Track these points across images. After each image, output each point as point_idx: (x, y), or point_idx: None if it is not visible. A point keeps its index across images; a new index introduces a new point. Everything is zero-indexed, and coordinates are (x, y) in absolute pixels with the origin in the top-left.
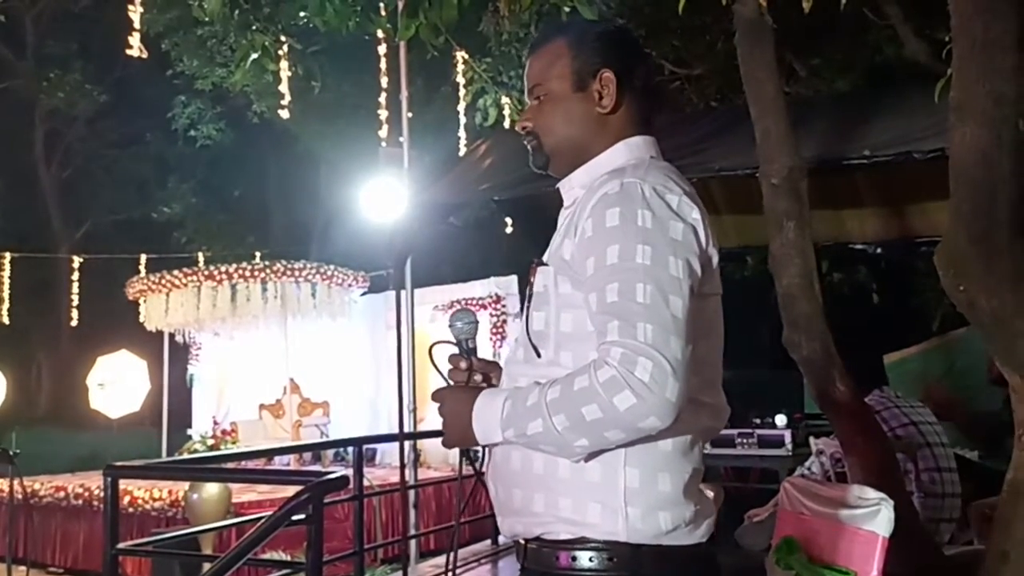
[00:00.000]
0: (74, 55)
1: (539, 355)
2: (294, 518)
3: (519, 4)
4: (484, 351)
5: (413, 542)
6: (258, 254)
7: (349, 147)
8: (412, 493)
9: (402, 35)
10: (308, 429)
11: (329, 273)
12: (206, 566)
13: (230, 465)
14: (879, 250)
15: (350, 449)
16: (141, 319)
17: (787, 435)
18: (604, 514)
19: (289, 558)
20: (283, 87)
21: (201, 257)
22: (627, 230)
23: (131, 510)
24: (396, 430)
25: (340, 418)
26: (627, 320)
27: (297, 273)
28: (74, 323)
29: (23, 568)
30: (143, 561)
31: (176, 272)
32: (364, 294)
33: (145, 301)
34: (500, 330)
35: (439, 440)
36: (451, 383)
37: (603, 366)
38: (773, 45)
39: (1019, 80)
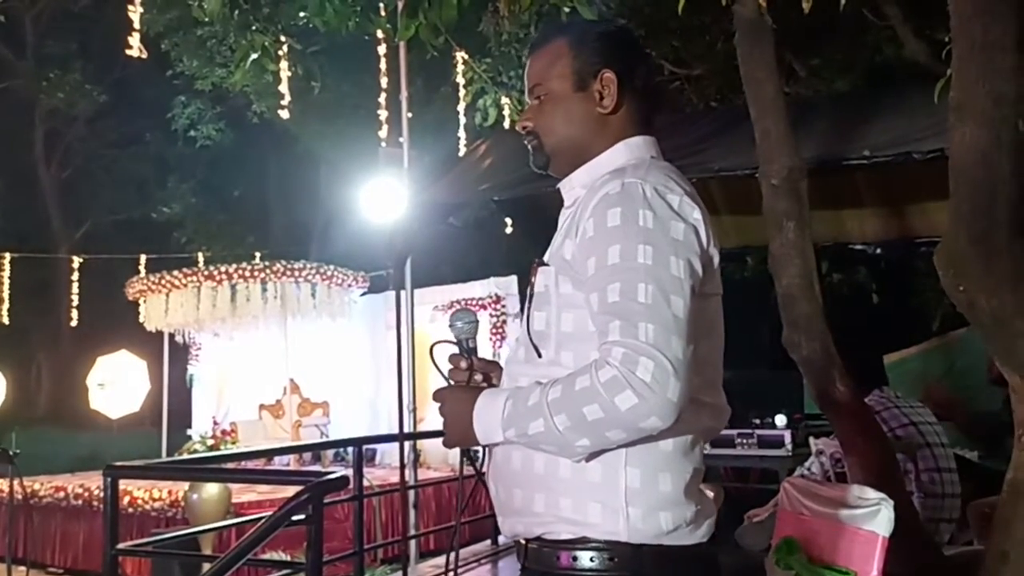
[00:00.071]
0: (74, 55)
1: (540, 355)
2: (294, 518)
3: (519, 4)
4: (484, 351)
5: (413, 542)
6: (258, 254)
7: (349, 147)
8: (412, 493)
9: (402, 35)
10: (308, 429)
11: (329, 273)
12: (206, 566)
13: (230, 465)
14: (879, 250)
15: (350, 449)
16: (141, 319)
17: (787, 435)
18: (605, 514)
19: (289, 558)
20: (283, 87)
21: (201, 257)
22: (628, 230)
23: (131, 510)
24: (396, 430)
25: (340, 418)
26: (629, 320)
27: (297, 273)
28: (74, 323)
29: (23, 568)
30: (143, 561)
31: (176, 272)
32: (364, 294)
33: (145, 301)
34: (500, 330)
35: (439, 440)
36: (452, 383)
37: (604, 366)
38: (773, 45)
39: (1019, 80)
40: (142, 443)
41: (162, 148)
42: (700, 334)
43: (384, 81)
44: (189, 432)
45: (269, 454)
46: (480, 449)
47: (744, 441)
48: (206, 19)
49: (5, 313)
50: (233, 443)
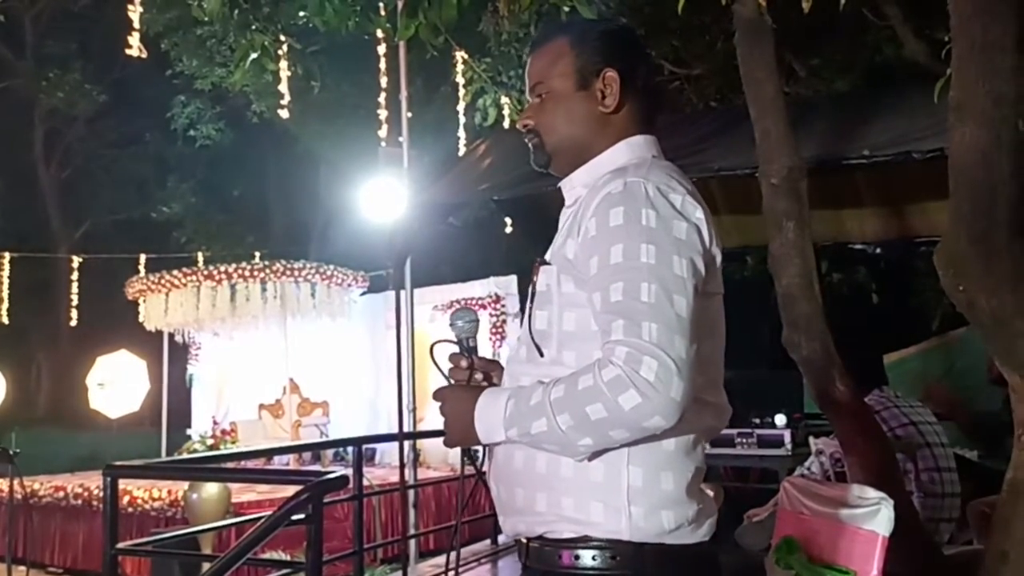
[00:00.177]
0: (74, 55)
1: (542, 354)
2: (294, 518)
3: (519, 4)
4: (484, 351)
5: (413, 542)
6: (258, 254)
7: (349, 147)
8: (412, 493)
9: (401, 35)
10: (308, 429)
11: (329, 273)
12: (206, 566)
13: (230, 465)
14: (879, 250)
15: (350, 449)
16: (141, 319)
17: (787, 435)
18: (607, 513)
19: (289, 558)
20: (283, 87)
21: (200, 257)
22: (631, 229)
23: (130, 510)
24: (396, 430)
25: (340, 418)
26: (632, 319)
27: (297, 273)
28: (74, 323)
29: (23, 568)
30: (143, 561)
31: (176, 272)
32: (364, 294)
33: (144, 301)
34: (500, 330)
35: (439, 440)
36: (452, 382)
37: (608, 365)
38: (773, 45)
39: (1018, 80)
40: (142, 443)
41: (162, 148)
42: (703, 333)
43: (384, 81)
44: (189, 432)
45: (269, 454)
46: (480, 448)
47: (744, 441)
48: (206, 19)
49: (5, 313)
50: (233, 443)
